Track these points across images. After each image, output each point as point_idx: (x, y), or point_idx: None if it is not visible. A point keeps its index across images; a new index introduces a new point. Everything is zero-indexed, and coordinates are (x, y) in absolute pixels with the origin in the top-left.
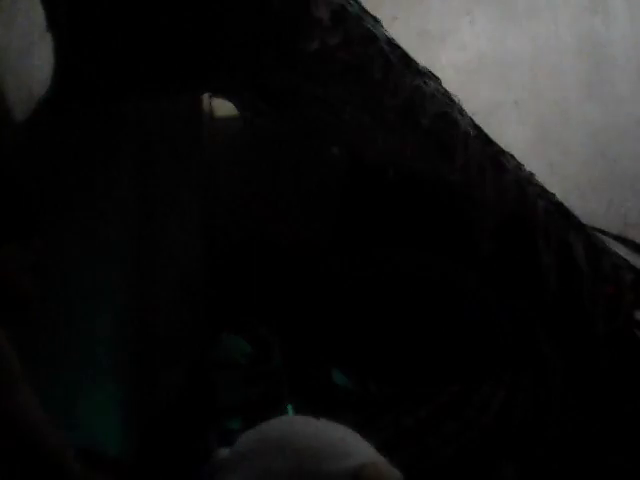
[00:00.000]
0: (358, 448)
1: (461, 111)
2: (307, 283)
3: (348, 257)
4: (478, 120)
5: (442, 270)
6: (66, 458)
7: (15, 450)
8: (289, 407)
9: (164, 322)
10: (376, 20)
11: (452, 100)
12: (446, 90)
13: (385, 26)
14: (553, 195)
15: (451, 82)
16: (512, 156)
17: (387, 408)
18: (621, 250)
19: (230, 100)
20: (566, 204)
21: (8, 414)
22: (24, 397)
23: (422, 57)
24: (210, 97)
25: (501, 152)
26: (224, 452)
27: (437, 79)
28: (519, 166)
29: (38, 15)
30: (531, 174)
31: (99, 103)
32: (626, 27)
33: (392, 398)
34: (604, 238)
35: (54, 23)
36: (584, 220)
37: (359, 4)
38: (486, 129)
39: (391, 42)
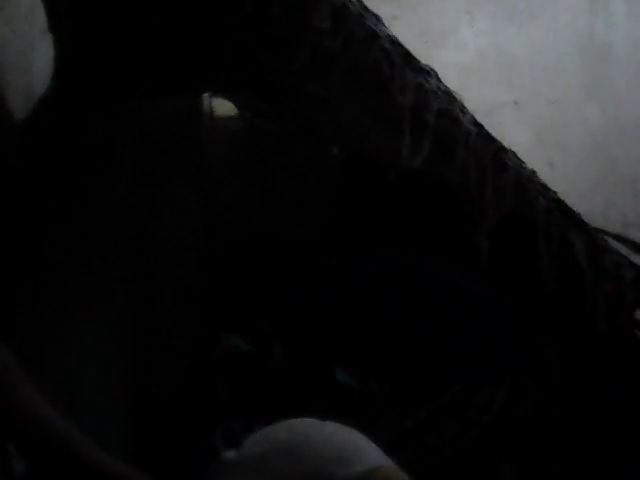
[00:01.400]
0: (369, 453)
1: (462, 109)
2: (307, 282)
3: (348, 256)
4: (478, 120)
5: (443, 269)
6: (82, 447)
7: (31, 445)
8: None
9: (164, 322)
10: (377, 18)
11: (453, 97)
12: (447, 87)
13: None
14: (554, 193)
15: (451, 82)
16: (514, 154)
17: (388, 408)
18: (621, 250)
19: (230, 100)
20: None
21: (16, 410)
22: (29, 394)
23: (422, 56)
24: (210, 97)
25: (503, 149)
26: (230, 454)
27: (438, 77)
28: (520, 164)
29: (39, 15)
30: (532, 172)
31: (99, 103)
32: (626, 27)
33: (393, 398)
34: (604, 237)
35: (55, 23)
36: (584, 220)
37: (360, 2)
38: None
39: (393, 40)
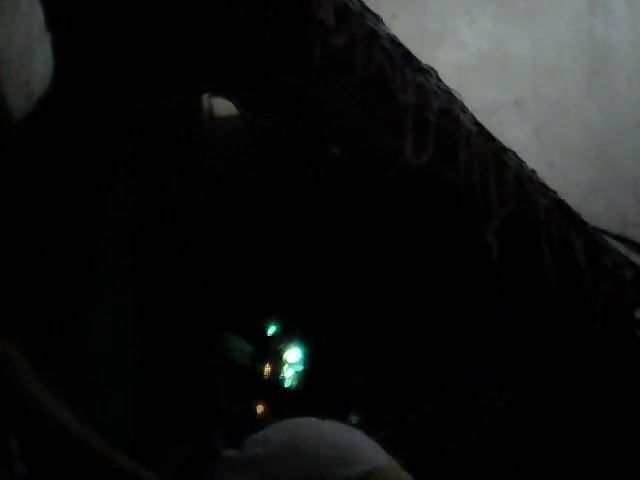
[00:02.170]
0: (370, 453)
1: (463, 108)
2: (309, 280)
3: (348, 256)
4: (478, 119)
5: (447, 267)
6: (92, 442)
7: (38, 439)
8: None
9: (165, 323)
10: (378, 18)
11: (453, 97)
12: (447, 87)
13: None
14: (554, 193)
15: (451, 82)
16: (514, 153)
17: (391, 405)
18: (621, 250)
19: (230, 100)
20: None
21: (25, 405)
22: (37, 389)
23: (422, 56)
24: (210, 97)
25: (503, 149)
26: (231, 453)
27: (438, 76)
28: (520, 163)
29: (38, 15)
30: (532, 171)
31: (99, 103)
32: (626, 27)
33: (396, 395)
34: (604, 237)
35: (54, 23)
36: (584, 220)
37: (361, 2)
38: None
39: (393, 40)
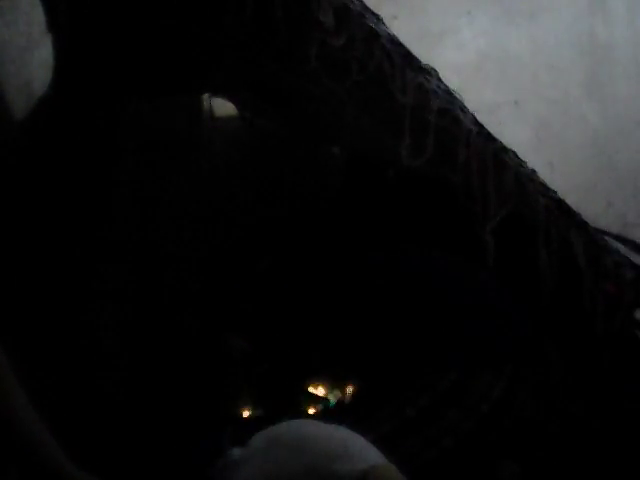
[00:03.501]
0: (368, 452)
1: (463, 108)
2: (308, 280)
3: (347, 256)
4: (478, 119)
5: (443, 265)
6: (59, 460)
7: (11, 453)
8: None
9: (165, 322)
10: (378, 18)
11: (453, 97)
12: (447, 87)
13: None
14: (554, 192)
15: (451, 82)
16: (514, 153)
17: (388, 400)
18: (621, 250)
19: (230, 100)
20: None
21: (3, 417)
22: (17, 401)
23: (422, 56)
24: (210, 97)
25: (503, 149)
26: (236, 452)
27: (438, 76)
28: (520, 163)
29: (38, 15)
30: (533, 171)
31: (99, 103)
32: (626, 27)
33: (393, 390)
34: (604, 237)
35: (54, 23)
36: (584, 220)
37: (361, 2)
38: None
39: (393, 40)
